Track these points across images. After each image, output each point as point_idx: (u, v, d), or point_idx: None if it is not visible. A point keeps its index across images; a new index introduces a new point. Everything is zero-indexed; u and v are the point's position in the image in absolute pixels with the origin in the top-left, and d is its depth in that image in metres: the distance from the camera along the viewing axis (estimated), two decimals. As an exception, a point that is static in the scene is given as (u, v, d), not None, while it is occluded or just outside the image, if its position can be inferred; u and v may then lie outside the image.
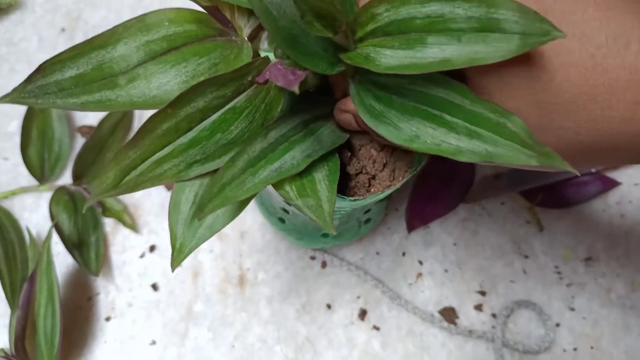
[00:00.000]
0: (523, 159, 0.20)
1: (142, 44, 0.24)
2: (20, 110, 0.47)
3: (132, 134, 0.46)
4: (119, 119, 0.45)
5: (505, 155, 0.20)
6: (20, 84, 0.22)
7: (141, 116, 0.47)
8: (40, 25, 0.50)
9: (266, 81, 0.20)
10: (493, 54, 0.20)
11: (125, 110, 0.24)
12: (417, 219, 0.45)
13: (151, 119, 0.22)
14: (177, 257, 0.25)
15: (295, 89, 0.19)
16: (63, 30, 0.50)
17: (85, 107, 0.22)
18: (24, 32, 0.50)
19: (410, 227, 0.45)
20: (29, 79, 0.22)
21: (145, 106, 0.23)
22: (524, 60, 0.21)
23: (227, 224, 0.25)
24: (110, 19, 0.50)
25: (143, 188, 0.23)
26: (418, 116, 0.22)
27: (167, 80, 0.24)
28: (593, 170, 0.46)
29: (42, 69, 0.22)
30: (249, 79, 0.23)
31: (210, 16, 0.26)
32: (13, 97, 0.22)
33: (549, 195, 0.46)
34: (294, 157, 0.25)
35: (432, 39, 0.21)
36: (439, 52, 0.21)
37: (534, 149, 0.20)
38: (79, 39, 0.50)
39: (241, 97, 0.24)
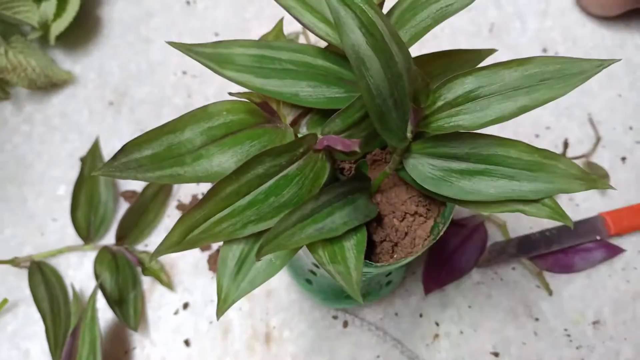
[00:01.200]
0: (576, 187, 0.28)
1: (204, 130, 0.28)
2: (69, 175, 0.52)
3: (171, 199, 0.51)
4: (161, 186, 0.50)
5: (560, 188, 0.28)
6: (108, 161, 0.26)
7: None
8: (91, 99, 0.56)
9: (322, 148, 0.24)
10: (540, 99, 0.27)
11: (192, 183, 0.28)
12: (433, 282, 0.48)
13: (218, 184, 0.26)
14: (222, 307, 0.28)
15: (356, 148, 0.24)
16: (111, 103, 0.55)
17: (160, 180, 0.27)
18: (76, 105, 0.55)
19: (427, 290, 0.48)
20: (115, 158, 0.26)
21: (208, 180, 0.27)
22: None
23: (266, 280, 0.29)
24: (154, 94, 0.56)
25: (202, 244, 0.27)
26: (478, 175, 0.29)
27: (226, 159, 0.28)
28: (597, 237, 0.50)
29: (124, 150, 0.26)
30: (301, 150, 0.28)
31: (259, 108, 0.30)
32: (103, 170, 0.26)
33: (557, 261, 0.49)
34: (333, 221, 0.29)
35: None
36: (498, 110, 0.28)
37: (582, 178, 0.28)
38: (125, 111, 0.55)
39: (293, 167, 0.28)
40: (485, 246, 0.49)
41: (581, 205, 0.52)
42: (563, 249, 0.50)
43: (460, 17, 0.60)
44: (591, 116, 0.57)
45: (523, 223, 0.51)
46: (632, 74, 0.59)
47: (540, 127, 0.56)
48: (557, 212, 0.29)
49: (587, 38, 0.60)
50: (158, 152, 0.27)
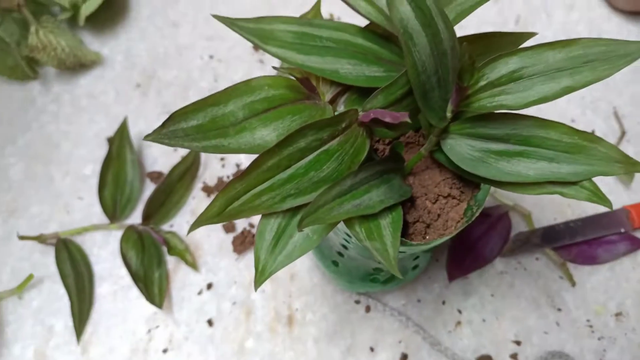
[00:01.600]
0: (615, 170, 0.27)
1: (247, 104, 0.29)
2: (96, 155, 0.52)
3: (197, 180, 0.51)
4: (188, 167, 0.50)
5: (599, 170, 0.27)
6: (157, 128, 0.26)
7: (206, 165, 0.52)
8: (118, 81, 0.56)
9: (368, 121, 0.24)
10: (583, 80, 0.27)
11: (235, 153, 0.29)
12: (457, 270, 0.48)
13: (261, 155, 0.26)
14: (259, 279, 0.29)
15: (406, 119, 0.24)
16: (138, 86, 0.56)
17: (205, 149, 0.27)
18: (103, 86, 0.56)
19: (451, 277, 0.48)
20: (164, 125, 0.26)
21: (251, 152, 0.28)
22: None
23: (303, 254, 0.29)
24: (181, 77, 0.56)
25: (241, 217, 0.27)
26: (517, 156, 0.29)
27: (268, 133, 0.28)
28: (622, 230, 0.49)
29: (172, 118, 0.27)
30: (343, 125, 0.28)
31: (300, 84, 0.31)
32: (153, 137, 0.26)
33: (581, 253, 0.49)
34: (370, 199, 0.29)
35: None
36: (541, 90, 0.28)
37: (622, 161, 0.27)
38: (152, 94, 0.55)
39: (334, 141, 0.28)
40: (510, 235, 0.50)
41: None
42: (587, 241, 0.49)
43: (487, 9, 0.60)
44: (616, 110, 0.56)
45: (547, 214, 0.51)
46: (658, 68, 0.58)
47: (566, 119, 0.56)
48: (597, 195, 0.29)
49: (613, 32, 0.60)
50: (203, 123, 0.27)
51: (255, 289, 0.28)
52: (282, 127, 0.29)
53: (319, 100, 0.31)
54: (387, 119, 0.24)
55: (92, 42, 0.58)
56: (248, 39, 0.30)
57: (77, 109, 0.55)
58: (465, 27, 0.59)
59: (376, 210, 0.29)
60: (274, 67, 0.28)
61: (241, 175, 0.27)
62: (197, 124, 0.27)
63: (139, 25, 0.59)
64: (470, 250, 0.49)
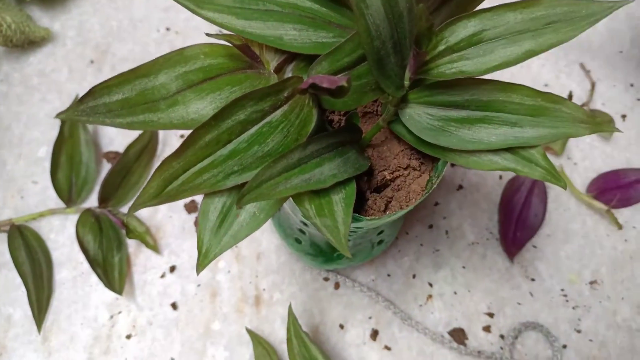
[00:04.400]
0: (580, 131, 0.26)
1: (180, 74, 0.26)
2: (49, 136, 0.50)
3: (156, 159, 0.49)
4: (145, 145, 0.48)
5: (564, 132, 0.26)
6: (73, 104, 0.24)
7: (165, 142, 0.50)
8: (71, 58, 0.53)
9: (306, 89, 0.22)
10: (546, 43, 0.26)
11: (166, 129, 0.26)
12: (513, 246, 0.47)
13: (196, 131, 0.24)
14: (202, 262, 0.27)
15: (344, 83, 0.21)
16: (92, 62, 0.53)
17: (130, 126, 0.25)
18: (55, 63, 0.53)
19: (511, 255, 0.47)
20: (82, 100, 0.24)
21: (184, 127, 0.25)
22: None
23: (250, 234, 0.27)
24: (137, 51, 0.53)
25: (183, 197, 0.25)
26: (478, 123, 0.27)
27: (204, 106, 0.26)
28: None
29: (92, 93, 0.24)
30: (285, 94, 0.26)
31: (240, 51, 0.28)
32: (68, 114, 0.24)
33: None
34: (322, 172, 0.27)
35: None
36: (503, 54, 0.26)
37: (588, 122, 0.26)
38: (107, 70, 0.53)
39: (277, 112, 0.26)
40: (547, 196, 0.49)
41: (580, 164, 0.51)
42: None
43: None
44: (590, 74, 0.55)
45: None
46: (634, 29, 0.57)
47: (539, 84, 0.54)
48: (551, 173, 0.27)
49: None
50: (129, 96, 0.25)
51: (198, 273, 0.26)
52: (220, 99, 0.27)
53: (263, 70, 0.29)
54: (325, 84, 0.22)
55: (41, 18, 0.54)
56: (181, 4, 0.27)
57: (28, 89, 0.52)
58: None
59: (327, 184, 0.28)
60: (208, 34, 0.26)
61: (176, 152, 0.25)
62: (122, 98, 0.25)
63: (90, -2, 0.56)
64: (517, 222, 0.47)
